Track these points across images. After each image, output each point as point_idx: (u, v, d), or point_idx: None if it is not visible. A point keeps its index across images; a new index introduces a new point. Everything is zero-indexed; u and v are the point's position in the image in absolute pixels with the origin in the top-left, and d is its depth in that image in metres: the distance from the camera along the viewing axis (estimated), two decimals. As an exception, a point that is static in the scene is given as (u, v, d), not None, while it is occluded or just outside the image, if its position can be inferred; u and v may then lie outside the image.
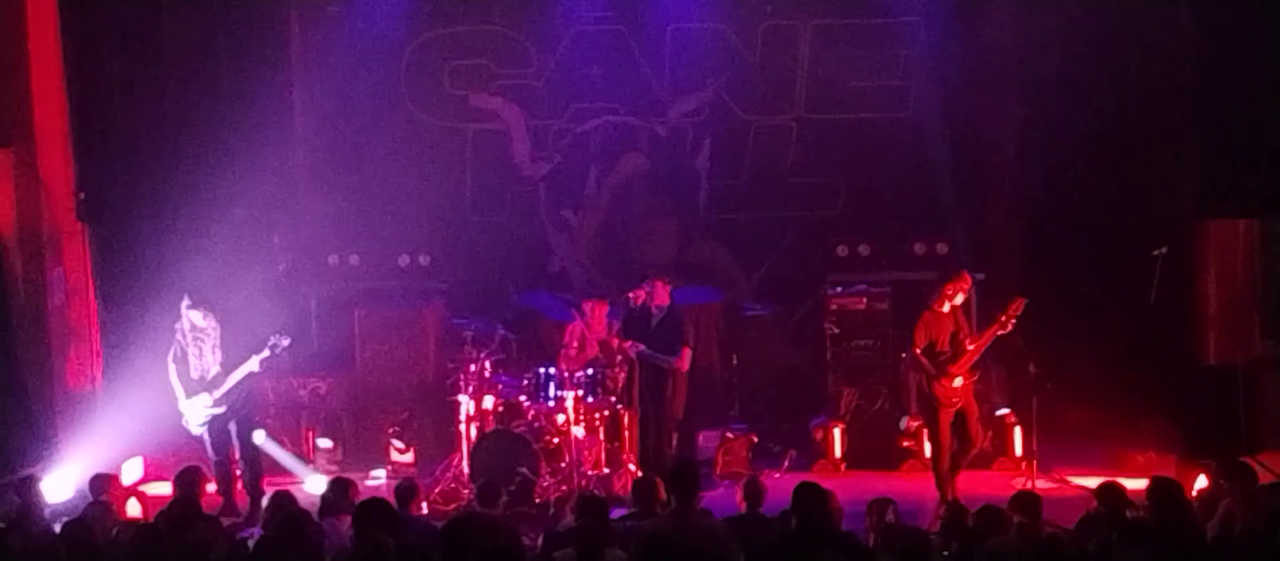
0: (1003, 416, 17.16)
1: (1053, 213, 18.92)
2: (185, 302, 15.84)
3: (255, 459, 16.20)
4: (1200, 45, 16.42)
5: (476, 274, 19.85)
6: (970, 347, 15.30)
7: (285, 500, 12.45)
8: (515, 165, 20.39)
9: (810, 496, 11.33)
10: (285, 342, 15.90)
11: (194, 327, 15.85)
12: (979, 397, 16.03)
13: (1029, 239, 19.17)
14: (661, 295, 16.12)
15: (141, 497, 15.08)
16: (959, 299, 15.51)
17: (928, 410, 15.72)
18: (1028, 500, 11.97)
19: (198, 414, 15.87)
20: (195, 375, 15.88)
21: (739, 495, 12.89)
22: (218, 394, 15.80)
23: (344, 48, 19.36)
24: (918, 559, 10.21)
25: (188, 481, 12.68)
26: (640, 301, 16.13)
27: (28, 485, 13.39)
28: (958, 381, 15.30)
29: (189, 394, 15.89)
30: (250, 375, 15.89)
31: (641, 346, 15.95)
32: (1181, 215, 17.34)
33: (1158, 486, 11.68)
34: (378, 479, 16.92)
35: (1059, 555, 11.03)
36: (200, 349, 15.86)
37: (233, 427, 16.01)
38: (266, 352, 15.79)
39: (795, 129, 20.02)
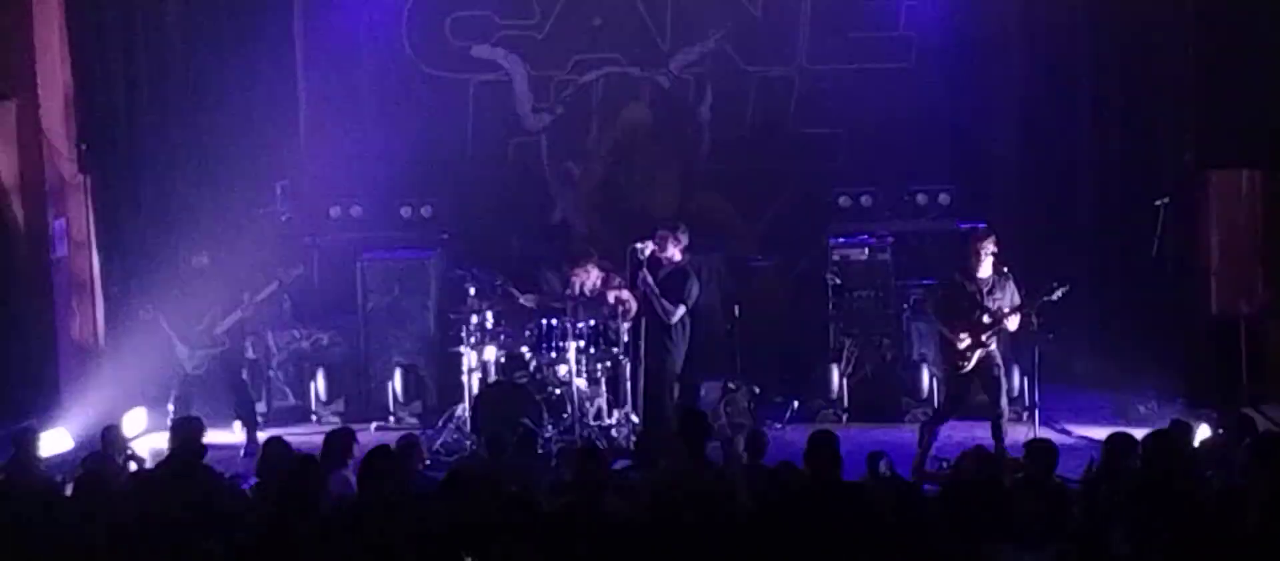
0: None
1: (1055, 163, 18.90)
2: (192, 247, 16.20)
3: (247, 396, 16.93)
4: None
5: (478, 225, 19.83)
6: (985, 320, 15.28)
7: (281, 447, 12.47)
8: (517, 116, 20.34)
9: (823, 445, 11.35)
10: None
11: (201, 270, 16.20)
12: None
13: (1031, 189, 19.15)
14: (673, 250, 16.07)
15: (140, 452, 15.10)
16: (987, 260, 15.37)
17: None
18: (1043, 449, 11.96)
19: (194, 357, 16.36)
20: (196, 318, 16.17)
21: (741, 446, 12.94)
22: (216, 333, 16.45)
23: (346, -2, 19.38)
24: (909, 511, 10.23)
25: (185, 432, 12.69)
26: (647, 253, 16.08)
27: (24, 436, 13.38)
28: (965, 341, 15.25)
29: (186, 339, 16.20)
30: (243, 318, 16.68)
31: (651, 280, 15.87)
32: (1184, 165, 17.34)
33: (1157, 439, 11.67)
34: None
35: (1064, 505, 11.09)
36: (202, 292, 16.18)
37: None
38: (273, 286, 16.82)
39: (797, 79, 19.97)
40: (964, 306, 15.32)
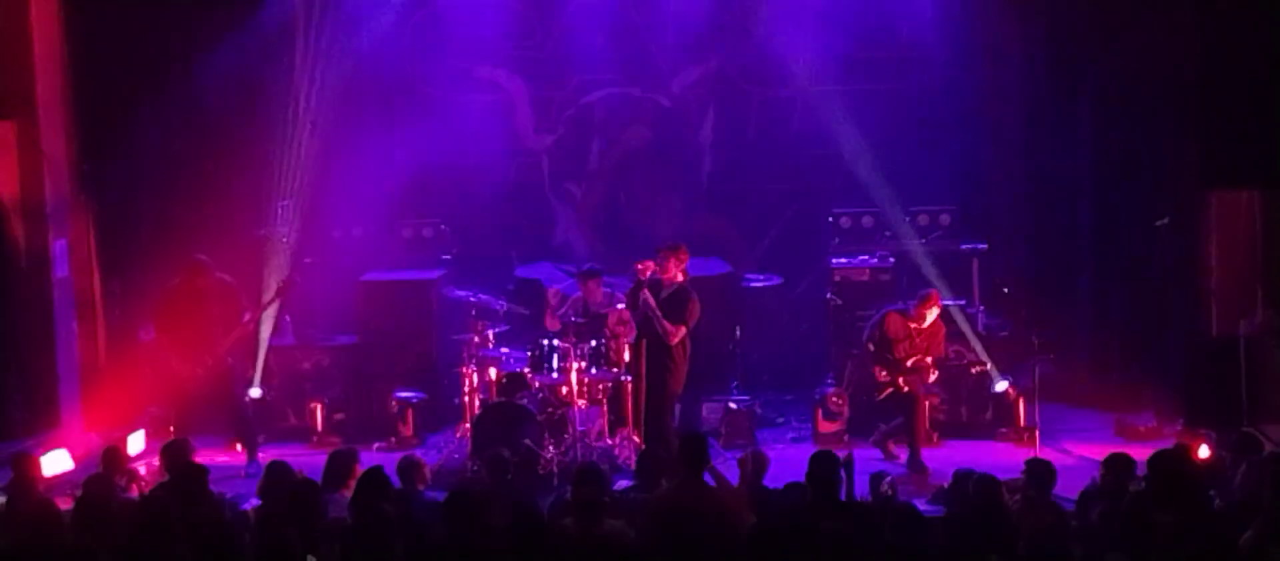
0: (1003, 392, 17.14)
1: (1055, 183, 18.90)
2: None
3: (247, 415, 16.88)
4: (1204, 14, 16.38)
5: (480, 245, 19.84)
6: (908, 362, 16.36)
7: (283, 471, 12.47)
8: (518, 137, 20.39)
9: (824, 466, 11.37)
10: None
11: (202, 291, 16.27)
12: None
13: (1031, 209, 19.17)
14: (674, 271, 16.10)
15: (141, 470, 15.10)
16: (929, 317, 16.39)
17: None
18: (1041, 469, 11.96)
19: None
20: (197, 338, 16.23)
21: (742, 467, 12.94)
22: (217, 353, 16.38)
23: (348, 18, 19.35)
24: (909, 531, 10.23)
25: (175, 454, 12.69)
26: (649, 274, 16.08)
27: (22, 459, 13.35)
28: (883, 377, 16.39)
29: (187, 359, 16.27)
30: (243, 338, 16.62)
31: (652, 301, 15.89)
32: (1184, 185, 17.33)
33: (1160, 458, 11.66)
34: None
35: (1063, 526, 11.09)
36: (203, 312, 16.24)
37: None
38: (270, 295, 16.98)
39: (798, 100, 19.98)
40: (892, 346, 16.29)
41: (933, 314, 16.31)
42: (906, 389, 16.25)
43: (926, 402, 16.36)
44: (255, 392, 17.44)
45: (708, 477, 11.62)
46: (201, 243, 17.02)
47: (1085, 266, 18.81)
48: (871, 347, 16.45)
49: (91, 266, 17.78)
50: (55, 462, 15.35)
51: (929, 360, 16.32)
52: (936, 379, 16.56)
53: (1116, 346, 18.33)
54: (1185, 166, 17.15)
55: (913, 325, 16.30)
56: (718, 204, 20.30)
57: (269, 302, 17.05)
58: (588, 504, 10.76)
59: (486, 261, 19.64)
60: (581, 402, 16.17)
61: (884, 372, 16.31)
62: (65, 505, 12.22)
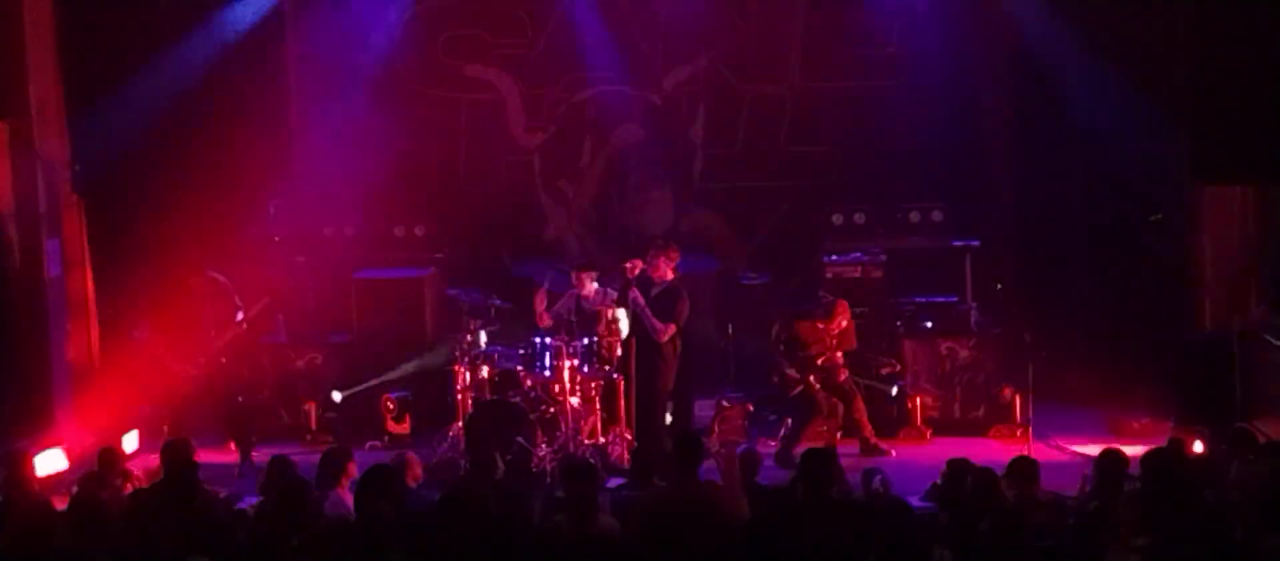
0: (998, 393, 17.17)
1: (1048, 178, 18.91)
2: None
3: (240, 414, 17.01)
4: (1197, 9, 16.39)
5: (471, 244, 19.83)
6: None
7: (284, 466, 12.46)
8: (510, 135, 20.36)
9: (817, 463, 11.37)
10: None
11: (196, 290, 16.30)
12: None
13: (1024, 205, 19.18)
14: (664, 270, 16.11)
15: (135, 472, 15.09)
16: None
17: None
18: (1024, 466, 11.97)
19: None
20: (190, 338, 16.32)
21: (735, 465, 12.93)
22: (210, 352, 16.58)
23: (339, 17, 19.35)
24: (899, 527, 10.23)
25: (175, 453, 12.69)
26: (637, 272, 16.08)
27: (16, 458, 13.33)
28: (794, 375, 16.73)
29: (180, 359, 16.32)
30: (236, 337, 16.80)
31: (642, 299, 15.90)
32: (1178, 181, 17.34)
33: (1156, 455, 11.65)
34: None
35: (1057, 521, 11.10)
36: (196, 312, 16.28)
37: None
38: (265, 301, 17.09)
39: (790, 97, 19.99)
40: (801, 342, 16.74)
41: (843, 320, 16.82)
42: (817, 386, 16.56)
43: (859, 400, 16.83)
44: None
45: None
46: (195, 242, 17.03)
47: (1078, 263, 18.82)
48: (781, 348, 16.76)
49: (85, 266, 17.76)
50: (49, 462, 15.34)
51: (840, 357, 16.71)
52: (847, 378, 16.83)
53: (1110, 343, 18.32)
54: (1178, 162, 17.16)
55: (821, 325, 16.73)
56: (709, 201, 20.30)
57: (264, 308, 17.09)
58: (580, 501, 10.76)
59: (479, 260, 19.64)
60: (574, 400, 16.17)
61: (794, 371, 16.63)
62: (60, 504, 12.22)
